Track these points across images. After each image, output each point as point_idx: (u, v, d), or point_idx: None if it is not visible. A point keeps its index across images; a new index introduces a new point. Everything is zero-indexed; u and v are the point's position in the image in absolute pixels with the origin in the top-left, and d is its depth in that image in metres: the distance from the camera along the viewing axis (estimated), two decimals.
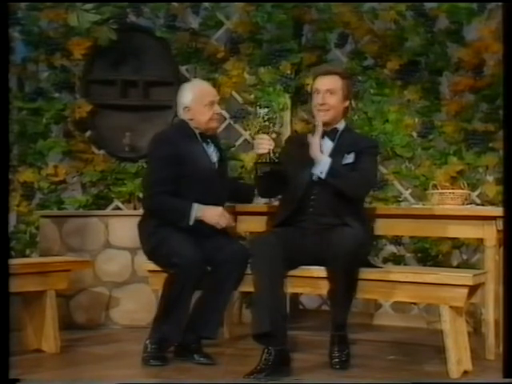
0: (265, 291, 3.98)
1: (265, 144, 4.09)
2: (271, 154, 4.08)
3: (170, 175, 4.33)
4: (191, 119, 4.45)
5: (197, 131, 4.46)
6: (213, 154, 4.50)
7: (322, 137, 4.30)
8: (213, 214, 4.33)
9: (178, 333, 4.27)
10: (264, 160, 4.11)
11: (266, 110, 4.15)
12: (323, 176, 4.11)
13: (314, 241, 4.15)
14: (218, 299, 4.31)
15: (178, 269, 4.16)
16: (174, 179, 4.33)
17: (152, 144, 4.55)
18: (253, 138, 5.72)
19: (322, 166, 4.11)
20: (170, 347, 4.33)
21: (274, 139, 4.10)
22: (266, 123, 4.11)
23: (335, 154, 4.25)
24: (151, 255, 4.42)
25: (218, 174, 4.47)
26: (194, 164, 4.36)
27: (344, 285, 4.02)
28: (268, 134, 4.10)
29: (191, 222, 4.29)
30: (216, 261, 4.28)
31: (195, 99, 4.44)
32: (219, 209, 4.35)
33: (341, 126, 4.37)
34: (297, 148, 4.33)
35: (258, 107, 4.28)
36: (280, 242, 4.09)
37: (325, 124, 4.29)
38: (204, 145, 4.47)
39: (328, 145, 4.31)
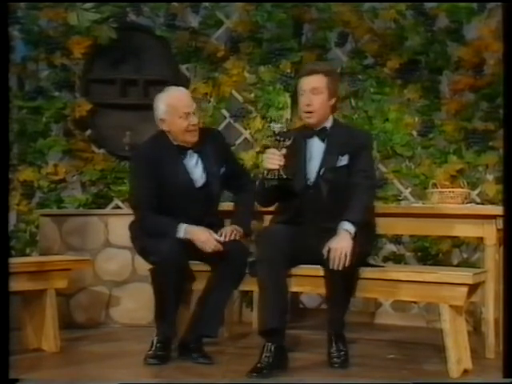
0: (271, 288, 3.99)
1: (275, 160, 4.03)
2: (280, 171, 4.05)
3: (151, 192, 4.30)
4: (168, 131, 4.36)
5: (175, 143, 4.38)
6: (194, 168, 4.39)
7: (310, 136, 4.25)
8: (199, 238, 4.24)
9: (171, 328, 4.28)
10: (273, 176, 4.07)
11: (280, 125, 4.07)
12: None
13: (314, 242, 4.10)
14: (218, 298, 4.30)
15: (156, 265, 4.22)
16: (157, 194, 4.31)
17: (131, 160, 4.56)
18: (250, 136, 5.80)
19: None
20: (172, 345, 4.33)
21: (284, 155, 4.04)
22: (278, 138, 4.05)
23: (327, 155, 4.20)
24: (142, 255, 4.43)
25: (203, 190, 4.38)
26: (170, 181, 4.31)
27: (341, 287, 4.02)
28: (279, 149, 4.05)
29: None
30: (216, 259, 4.28)
31: (169, 111, 4.31)
32: (206, 234, 4.24)
33: (329, 123, 4.28)
34: (288, 152, 4.16)
35: (270, 121, 4.21)
36: (283, 237, 4.07)
37: (312, 125, 4.24)
38: (184, 159, 4.37)
39: (318, 145, 4.25)
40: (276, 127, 4.07)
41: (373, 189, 4.31)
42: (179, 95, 4.39)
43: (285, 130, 4.08)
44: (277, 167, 4.04)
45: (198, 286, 4.40)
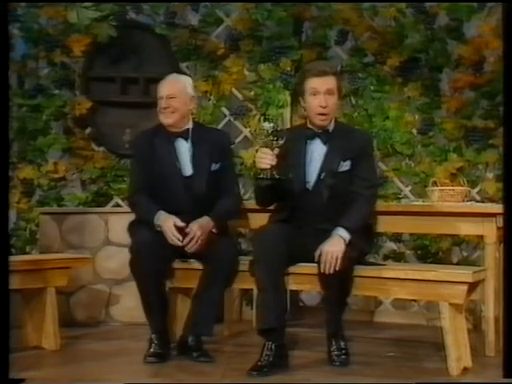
0: (268, 287, 3.99)
1: (267, 159, 4.01)
2: (272, 170, 4.03)
3: (143, 176, 4.41)
4: None
5: (169, 129, 4.46)
6: (183, 155, 4.44)
7: (313, 138, 4.23)
8: (164, 226, 4.26)
9: (161, 323, 4.31)
10: (265, 176, 4.05)
11: (272, 124, 4.04)
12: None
13: (311, 240, 4.09)
14: (210, 295, 4.30)
15: (131, 255, 4.29)
16: (147, 177, 4.40)
17: (131, 144, 4.73)
18: (249, 134, 5.80)
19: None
20: (170, 342, 4.34)
21: (276, 155, 4.02)
22: (270, 137, 4.02)
23: (328, 159, 4.18)
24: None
25: (191, 180, 4.41)
26: (159, 165, 4.39)
27: (335, 289, 4.03)
28: (271, 148, 4.03)
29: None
30: (206, 257, 4.29)
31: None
32: (169, 223, 4.25)
33: (331, 125, 4.25)
34: (288, 151, 4.15)
35: (263, 121, 4.17)
36: (280, 236, 4.07)
37: (321, 126, 4.22)
38: (174, 142, 4.45)
39: (320, 147, 4.22)
40: (268, 126, 4.03)
41: (373, 198, 4.29)
42: (166, 80, 4.57)
43: (278, 129, 4.06)
44: (268, 167, 4.02)
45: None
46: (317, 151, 4.22)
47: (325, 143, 4.22)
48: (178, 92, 4.46)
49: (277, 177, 4.05)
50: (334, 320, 4.15)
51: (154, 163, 4.40)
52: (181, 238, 4.24)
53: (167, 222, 4.26)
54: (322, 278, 4.03)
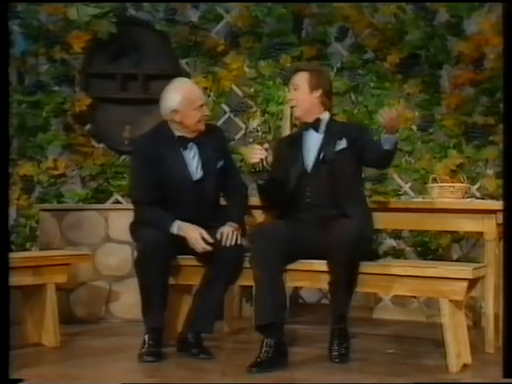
0: (266, 284, 4.01)
1: (257, 154, 4.12)
2: (264, 163, 4.13)
3: (150, 184, 4.35)
4: (178, 122, 4.38)
5: (177, 134, 4.41)
6: (192, 161, 4.42)
7: (307, 129, 4.37)
8: (190, 237, 4.27)
9: (159, 321, 4.29)
10: (257, 169, 4.14)
11: (257, 121, 4.24)
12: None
13: (314, 233, 4.13)
14: (211, 293, 4.30)
15: (139, 252, 4.30)
16: (155, 186, 4.35)
17: (132, 149, 4.63)
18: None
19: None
20: (162, 339, 4.33)
21: (266, 149, 4.14)
22: (259, 134, 4.16)
23: (326, 144, 4.30)
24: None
25: (199, 184, 4.40)
26: (168, 172, 4.34)
27: (345, 278, 4.03)
28: (261, 144, 4.14)
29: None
30: (211, 254, 4.27)
31: (184, 103, 4.34)
32: (196, 234, 4.26)
33: (325, 116, 4.38)
34: (286, 148, 4.41)
35: (249, 121, 4.32)
36: (279, 233, 4.11)
37: (300, 117, 4.40)
38: (183, 151, 4.40)
39: (315, 136, 4.34)
40: (254, 124, 4.21)
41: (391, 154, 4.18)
42: (193, 88, 4.50)
43: (263, 125, 4.27)
44: (258, 161, 4.12)
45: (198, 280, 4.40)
46: (313, 140, 4.35)
47: (318, 131, 4.35)
48: (204, 96, 4.53)
49: (269, 168, 4.17)
50: (340, 312, 4.13)
51: (162, 171, 4.34)
52: (209, 248, 4.25)
53: (193, 234, 4.26)
54: (330, 255, 4.02)
